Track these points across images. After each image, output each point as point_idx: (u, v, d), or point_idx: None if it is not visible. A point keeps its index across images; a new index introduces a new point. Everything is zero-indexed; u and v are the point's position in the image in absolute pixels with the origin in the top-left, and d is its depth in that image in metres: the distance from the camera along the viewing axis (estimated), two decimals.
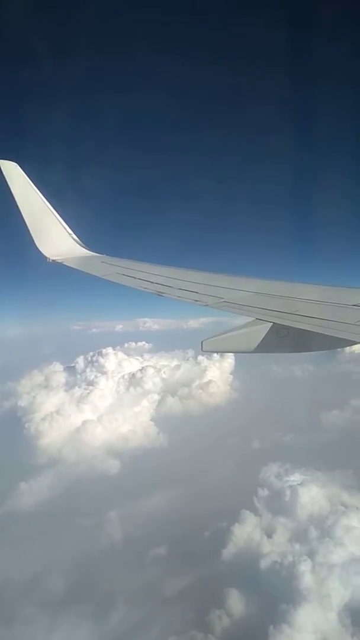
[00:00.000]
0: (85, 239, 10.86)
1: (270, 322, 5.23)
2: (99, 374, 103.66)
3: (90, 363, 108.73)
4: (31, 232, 10.17)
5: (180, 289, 7.25)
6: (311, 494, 56.95)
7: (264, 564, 47.68)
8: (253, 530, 53.26)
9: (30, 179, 10.23)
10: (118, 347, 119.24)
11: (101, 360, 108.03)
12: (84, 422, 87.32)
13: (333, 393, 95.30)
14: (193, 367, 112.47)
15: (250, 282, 7.25)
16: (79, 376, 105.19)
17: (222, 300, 6.45)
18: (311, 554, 46.44)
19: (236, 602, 44.65)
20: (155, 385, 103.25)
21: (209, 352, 5.41)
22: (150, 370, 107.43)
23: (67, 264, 9.80)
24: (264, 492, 59.40)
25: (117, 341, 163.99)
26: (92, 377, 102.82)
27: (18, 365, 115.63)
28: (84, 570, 50.33)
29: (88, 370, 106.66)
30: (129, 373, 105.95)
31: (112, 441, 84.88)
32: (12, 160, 10.14)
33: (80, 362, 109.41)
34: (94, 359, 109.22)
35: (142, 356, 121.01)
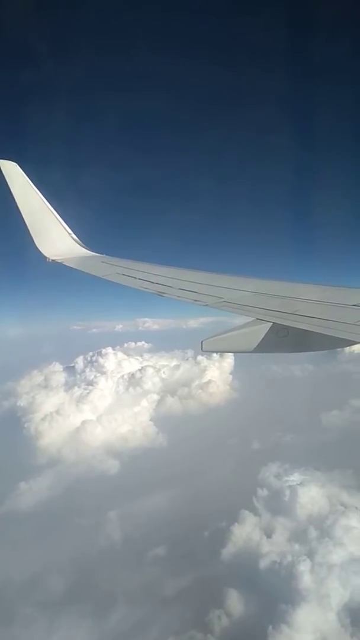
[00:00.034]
0: (85, 239, 10.88)
1: (270, 322, 5.23)
2: (98, 374, 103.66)
3: (90, 363, 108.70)
4: (31, 232, 10.17)
5: (180, 289, 7.25)
6: (311, 494, 56.98)
7: (264, 564, 47.72)
8: (252, 530, 53.27)
9: (30, 179, 10.24)
10: (118, 347, 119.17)
11: (101, 360, 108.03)
12: (84, 422, 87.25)
13: (333, 393, 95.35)
14: (193, 367, 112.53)
15: (250, 282, 7.25)
16: (78, 376, 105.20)
17: (222, 300, 6.45)
18: (310, 554, 46.50)
19: (235, 602, 44.63)
20: (155, 385, 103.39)
21: (208, 352, 5.41)
22: (150, 370, 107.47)
23: (67, 264, 9.79)
24: (263, 492, 59.46)
25: (117, 341, 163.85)
26: (92, 377, 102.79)
27: (18, 365, 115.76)
28: (84, 570, 50.31)
29: (88, 370, 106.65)
30: (129, 373, 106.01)
31: (111, 441, 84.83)
32: (12, 160, 10.16)
33: (79, 362, 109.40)
34: (94, 359, 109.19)
35: (141, 356, 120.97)
